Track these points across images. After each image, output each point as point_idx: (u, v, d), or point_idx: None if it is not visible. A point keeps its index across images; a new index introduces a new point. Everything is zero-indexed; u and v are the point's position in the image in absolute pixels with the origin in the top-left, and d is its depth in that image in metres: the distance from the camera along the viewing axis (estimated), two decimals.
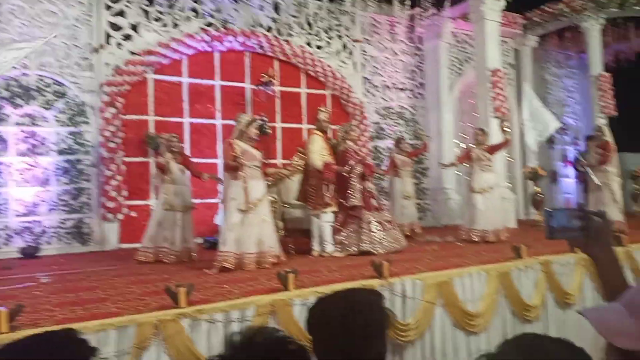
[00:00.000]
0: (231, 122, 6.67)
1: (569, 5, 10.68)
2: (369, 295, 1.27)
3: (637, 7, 10.38)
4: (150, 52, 7.77)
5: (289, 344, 0.69)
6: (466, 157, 6.94)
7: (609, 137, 7.41)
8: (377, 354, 1.20)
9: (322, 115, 6.10)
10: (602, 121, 9.87)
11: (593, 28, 10.59)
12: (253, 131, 5.16)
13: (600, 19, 10.66)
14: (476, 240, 6.52)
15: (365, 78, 10.00)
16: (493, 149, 7.00)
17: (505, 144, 7.18)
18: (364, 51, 10.02)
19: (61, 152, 7.32)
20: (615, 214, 7.14)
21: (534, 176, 9.70)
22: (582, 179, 9.11)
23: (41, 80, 7.24)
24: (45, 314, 3.24)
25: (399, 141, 8.09)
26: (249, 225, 4.95)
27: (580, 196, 11.07)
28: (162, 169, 5.88)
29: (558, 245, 5.63)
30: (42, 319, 3.08)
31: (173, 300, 3.19)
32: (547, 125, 8.11)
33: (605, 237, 1.25)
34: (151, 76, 7.98)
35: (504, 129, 7.22)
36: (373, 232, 5.79)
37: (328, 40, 9.57)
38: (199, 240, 7.25)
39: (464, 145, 10.52)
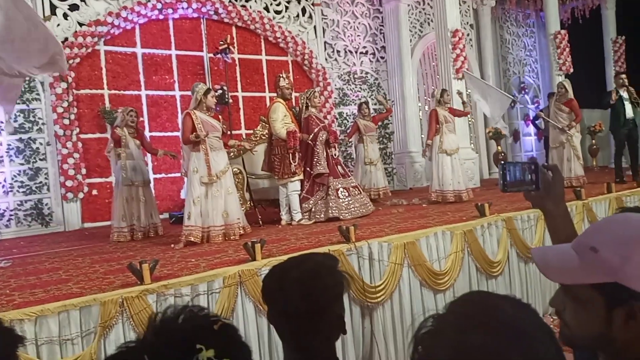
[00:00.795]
0: (190, 93, 6.49)
1: None
2: (324, 260, 1.25)
3: None
4: (99, 23, 7.41)
5: (213, 323, 0.66)
6: (435, 122, 6.73)
7: (571, 94, 7.51)
8: (336, 317, 1.20)
9: (283, 82, 5.96)
10: (560, 78, 10.05)
11: None
12: (211, 100, 5.01)
13: None
14: (449, 200, 6.54)
15: (327, 43, 9.85)
16: (454, 112, 7.03)
17: (465, 114, 7.38)
18: (324, 15, 9.83)
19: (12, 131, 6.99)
20: (577, 169, 7.34)
21: (496, 136, 9.88)
22: (543, 136, 9.28)
23: None
24: (4, 298, 3.13)
25: (361, 106, 8.04)
26: (213, 198, 4.87)
27: (542, 153, 11.37)
28: (118, 143, 5.70)
29: (520, 202, 5.78)
30: None
31: (137, 277, 3.13)
32: (501, 104, 7.84)
33: (556, 190, 1.26)
34: (103, 48, 7.65)
35: (463, 102, 7.23)
36: (340, 198, 5.80)
37: (287, 4, 9.33)
38: (165, 215, 7.14)
39: (427, 108, 10.57)
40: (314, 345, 1.17)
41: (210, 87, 5.34)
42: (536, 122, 10.75)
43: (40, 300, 2.97)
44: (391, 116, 10.38)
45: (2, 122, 6.93)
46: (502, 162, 1.27)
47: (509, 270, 4.89)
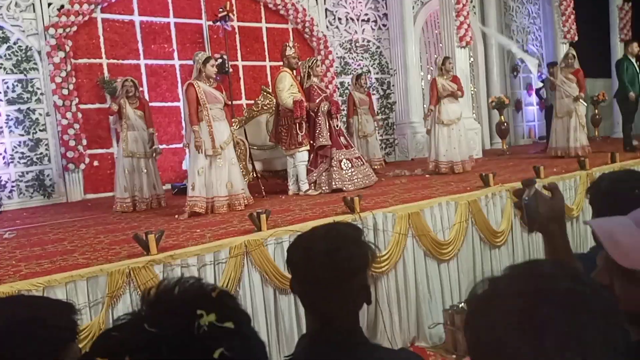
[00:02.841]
0: (190, 62, 6.39)
1: None
2: (348, 230, 1.24)
3: None
4: None
5: (211, 291, 0.65)
6: (435, 90, 6.69)
7: (578, 64, 7.38)
8: (361, 287, 1.20)
9: (289, 51, 5.85)
10: (564, 47, 9.89)
11: None
12: (210, 69, 4.91)
13: None
14: (444, 171, 6.57)
15: (328, 10, 9.65)
16: (456, 81, 6.86)
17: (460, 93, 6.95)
18: None
19: (11, 102, 6.91)
20: (583, 139, 7.30)
21: (499, 105, 9.77)
22: (547, 105, 9.15)
23: None
24: (11, 269, 3.14)
25: (358, 78, 7.85)
26: (217, 169, 4.85)
27: (542, 124, 11.27)
28: (119, 115, 5.64)
29: (524, 172, 5.75)
30: (7, 275, 2.98)
31: (143, 248, 3.13)
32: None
33: (558, 209, 1.19)
34: (100, 15, 7.48)
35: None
36: (343, 169, 5.78)
37: None
38: (167, 186, 7.13)
39: (429, 77, 10.44)
40: (338, 315, 1.17)
41: (210, 56, 5.24)
42: (540, 91, 10.60)
43: (46, 271, 2.99)
44: (393, 85, 10.27)
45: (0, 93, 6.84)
46: (525, 198, 1.17)
47: (512, 240, 4.92)
